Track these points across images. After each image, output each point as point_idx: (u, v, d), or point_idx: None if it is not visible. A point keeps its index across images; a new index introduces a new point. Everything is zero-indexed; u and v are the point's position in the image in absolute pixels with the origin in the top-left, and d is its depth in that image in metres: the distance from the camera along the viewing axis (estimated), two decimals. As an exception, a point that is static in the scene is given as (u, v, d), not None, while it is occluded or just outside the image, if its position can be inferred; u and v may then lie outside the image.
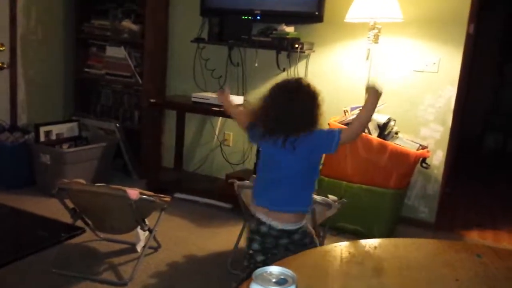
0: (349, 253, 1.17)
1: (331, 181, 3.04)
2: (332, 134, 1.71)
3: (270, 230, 1.74)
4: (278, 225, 1.72)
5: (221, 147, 3.85)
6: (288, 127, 1.69)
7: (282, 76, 3.53)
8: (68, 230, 1.65)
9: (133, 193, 2.22)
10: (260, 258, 1.79)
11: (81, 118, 3.82)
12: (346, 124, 2.97)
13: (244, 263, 1.83)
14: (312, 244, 1.81)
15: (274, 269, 0.82)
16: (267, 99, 1.76)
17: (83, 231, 1.66)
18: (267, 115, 1.73)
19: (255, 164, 3.33)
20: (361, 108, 1.80)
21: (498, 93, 6.30)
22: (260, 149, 1.87)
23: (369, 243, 1.24)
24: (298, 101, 1.71)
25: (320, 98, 1.75)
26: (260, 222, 1.76)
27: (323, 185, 3.10)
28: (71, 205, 2.46)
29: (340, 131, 1.71)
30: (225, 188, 3.29)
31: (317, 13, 3.21)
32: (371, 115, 1.79)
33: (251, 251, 1.79)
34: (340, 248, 1.21)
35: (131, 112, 4.00)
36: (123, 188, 2.24)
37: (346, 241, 2.92)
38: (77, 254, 2.61)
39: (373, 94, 1.72)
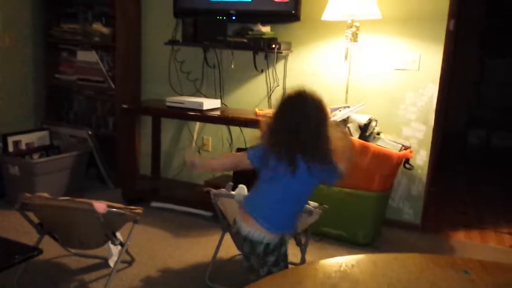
0: (324, 274, 1.05)
1: (313, 185, 2.93)
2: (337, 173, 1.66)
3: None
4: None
5: (199, 152, 3.72)
6: (300, 147, 1.62)
7: (260, 77, 3.44)
8: (23, 251, 1.50)
9: (100, 206, 2.08)
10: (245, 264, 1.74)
11: (52, 126, 3.66)
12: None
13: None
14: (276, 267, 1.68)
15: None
16: (274, 119, 1.68)
17: (40, 252, 1.52)
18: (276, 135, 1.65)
19: (234, 171, 3.21)
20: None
21: (480, 89, 6.26)
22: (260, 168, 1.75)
23: (346, 261, 1.12)
24: (305, 116, 1.63)
25: (327, 110, 1.68)
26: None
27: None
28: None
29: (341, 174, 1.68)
30: (205, 195, 3.16)
31: (293, 12, 3.11)
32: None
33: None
34: (315, 268, 1.09)
35: (105, 118, 3.85)
36: (89, 201, 2.10)
37: (329, 247, 2.86)
38: (45, 271, 2.47)
39: None
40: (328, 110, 1.69)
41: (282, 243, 1.70)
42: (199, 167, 1.86)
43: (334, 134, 1.64)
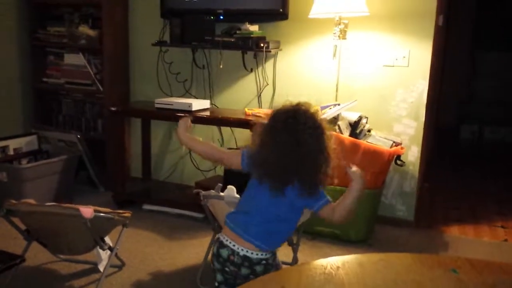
0: (308, 277, 1.03)
1: (304, 184, 2.90)
2: (323, 196, 1.56)
3: (232, 255, 1.56)
4: (241, 250, 1.54)
5: (190, 154, 3.69)
6: (292, 176, 1.50)
7: (249, 77, 3.41)
8: (5, 260, 1.47)
9: (87, 211, 2.04)
10: None
11: (40, 131, 3.62)
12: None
13: None
14: None
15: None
16: (268, 137, 1.52)
17: (23, 260, 1.49)
18: (268, 158, 1.51)
19: (225, 171, 3.19)
20: (345, 195, 1.61)
21: (472, 84, 6.26)
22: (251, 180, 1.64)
23: (331, 263, 1.10)
24: (304, 143, 1.48)
25: (327, 131, 1.53)
26: (222, 245, 1.58)
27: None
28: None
29: (328, 201, 1.57)
30: (196, 197, 3.13)
31: (281, 10, 3.08)
32: (356, 203, 1.60)
33: (216, 284, 1.63)
34: (298, 271, 1.07)
35: (94, 121, 3.81)
36: (75, 206, 2.07)
37: (322, 245, 2.84)
38: (34, 278, 2.44)
39: (359, 181, 1.59)
40: (325, 125, 1.53)
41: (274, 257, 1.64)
42: (181, 133, 1.76)
43: (331, 149, 1.52)
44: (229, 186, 2.33)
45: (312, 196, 1.53)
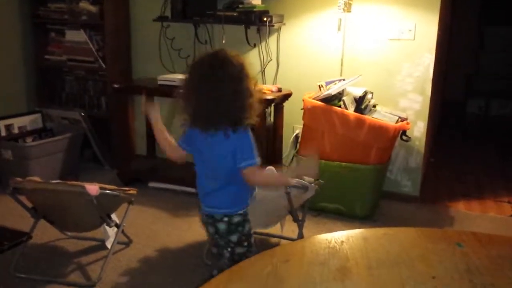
0: (312, 251, 1.03)
1: (309, 160, 2.89)
2: (252, 154, 1.61)
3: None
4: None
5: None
6: (222, 115, 1.56)
7: (252, 52, 3.37)
8: (12, 237, 1.48)
9: (93, 188, 2.05)
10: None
11: (44, 109, 3.61)
12: (322, 100, 2.83)
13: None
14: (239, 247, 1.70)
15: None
16: (189, 84, 1.59)
17: (30, 237, 1.50)
18: (196, 106, 1.58)
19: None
20: (273, 173, 1.88)
21: (479, 57, 6.16)
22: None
23: (336, 237, 1.09)
24: (227, 81, 1.54)
25: (248, 71, 1.59)
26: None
27: (301, 165, 2.96)
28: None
29: (256, 163, 1.61)
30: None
31: (284, -18, 3.02)
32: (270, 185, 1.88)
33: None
34: (302, 245, 1.06)
35: (97, 99, 3.80)
36: (81, 183, 2.08)
37: (328, 221, 2.84)
38: (42, 255, 2.46)
39: (287, 180, 1.81)
40: (247, 68, 1.59)
41: (245, 221, 1.70)
42: (153, 125, 1.80)
43: (252, 92, 1.58)
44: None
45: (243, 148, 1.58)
